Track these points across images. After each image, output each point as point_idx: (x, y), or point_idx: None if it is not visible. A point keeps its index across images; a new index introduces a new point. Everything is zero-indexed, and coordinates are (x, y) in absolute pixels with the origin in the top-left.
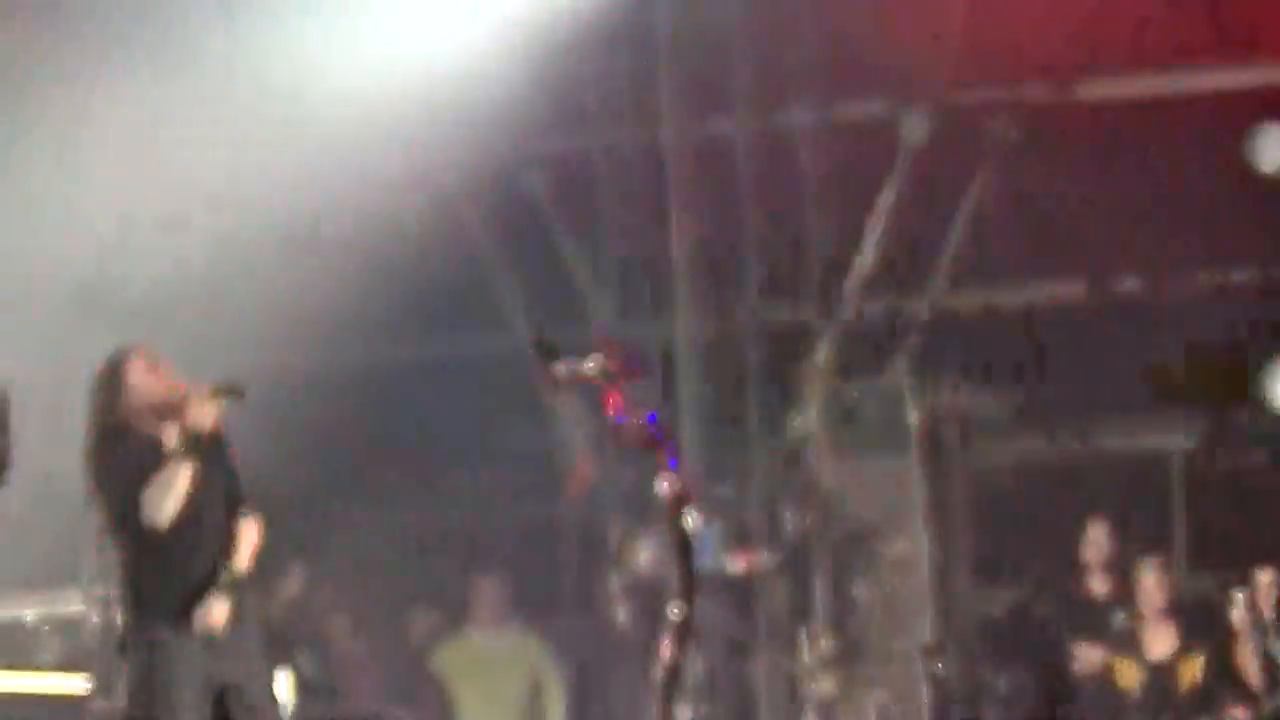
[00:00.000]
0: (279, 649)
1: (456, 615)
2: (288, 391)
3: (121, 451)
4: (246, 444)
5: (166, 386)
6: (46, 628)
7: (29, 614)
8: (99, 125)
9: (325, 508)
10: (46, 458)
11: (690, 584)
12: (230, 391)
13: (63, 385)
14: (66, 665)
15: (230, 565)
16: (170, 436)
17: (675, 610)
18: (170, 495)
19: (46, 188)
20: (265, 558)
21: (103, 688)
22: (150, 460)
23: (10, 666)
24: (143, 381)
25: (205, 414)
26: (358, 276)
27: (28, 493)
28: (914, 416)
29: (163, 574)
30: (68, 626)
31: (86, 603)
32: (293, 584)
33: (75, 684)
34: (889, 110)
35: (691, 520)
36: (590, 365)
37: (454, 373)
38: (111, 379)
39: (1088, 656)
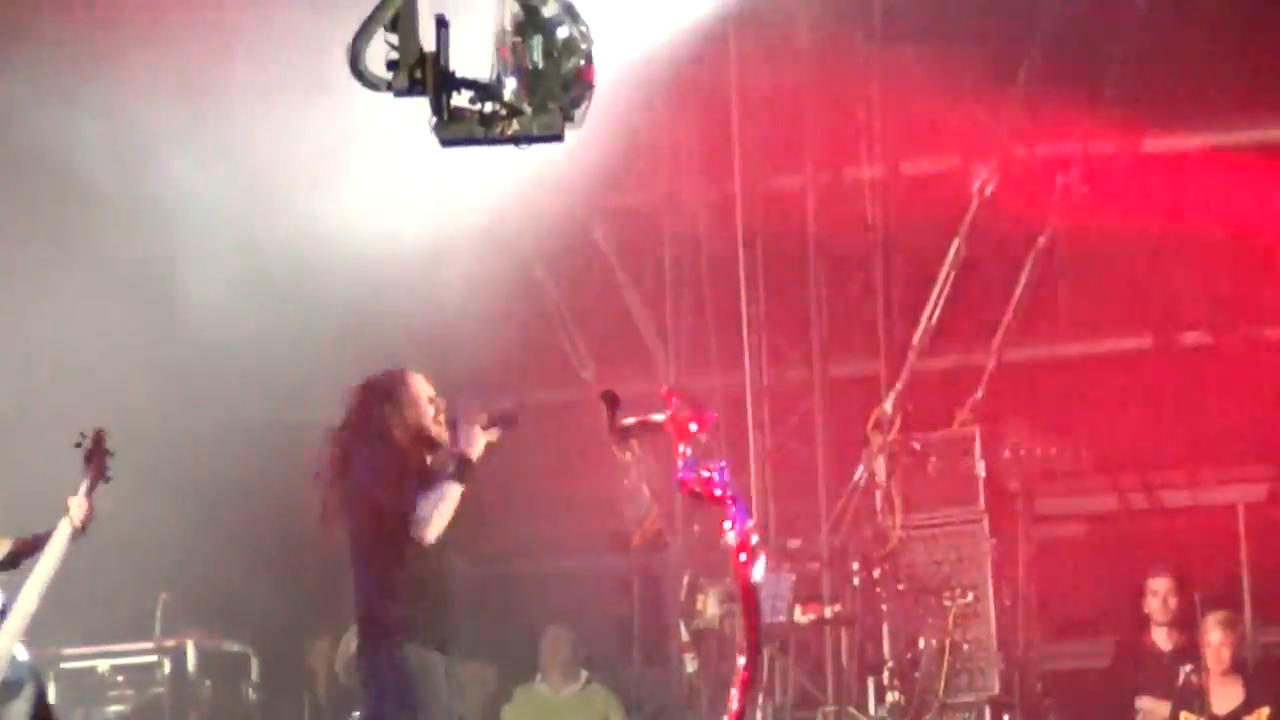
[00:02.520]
0: (344, 699)
1: (526, 666)
2: None
3: (397, 468)
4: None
5: (439, 410)
6: (120, 677)
7: (102, 663)
8: None
9: None
10: (121, 508)
11: (758, 635)
12: (504, 421)
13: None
14: (139, 713)
15: None
16: (435, 459)
17: (743, 661)
18: (441, 514)
19: None
20: (324, 615)
21: None
22: (418, 480)
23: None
24: (419, 402)
25: (478, 441)
26: (433, 332)
27: (101, 543)
28: (981, 468)
29: (419, 591)
30: (140, 675)
31: (158, 652)
32: (344, 645)
33: None
34: (957, 163)
35: (759, 571)
36: (658, 417)
37: (523, 423)
38: (388, 396)
39: (1154, 711)
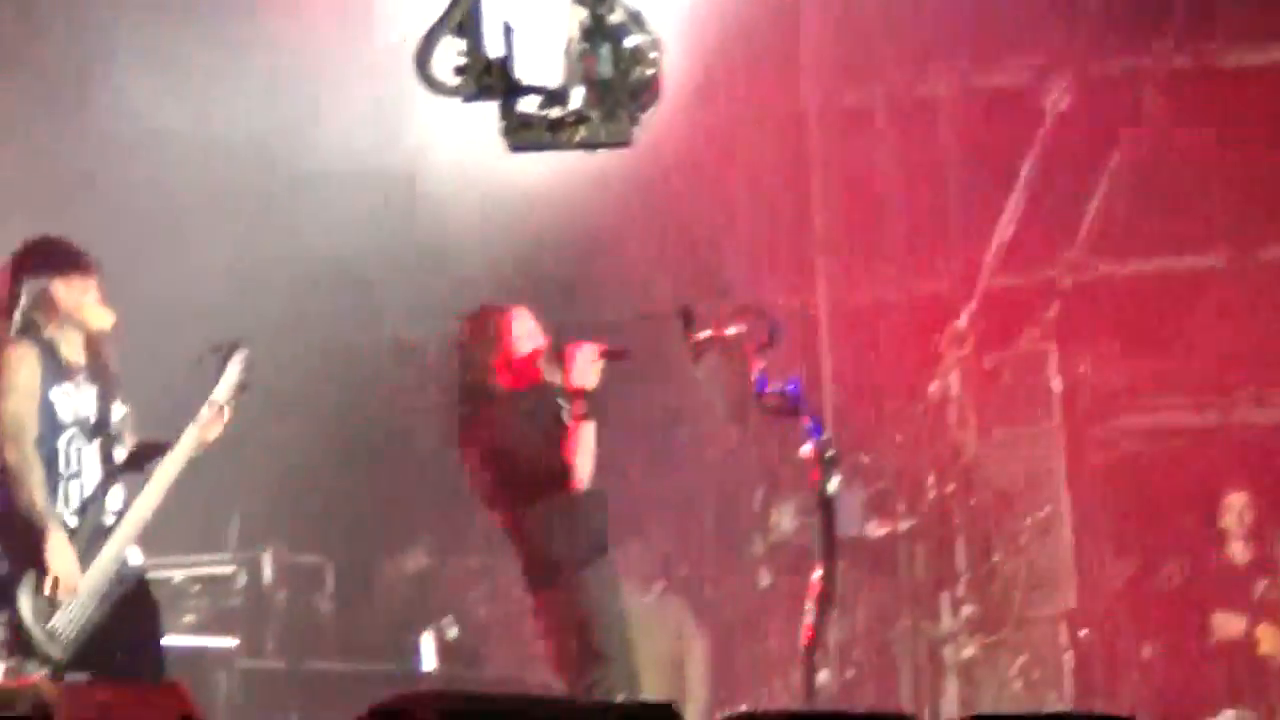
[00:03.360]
0: (420, 615)
1: None
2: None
3: (525, 409)
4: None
5: (542, 343)
6: (195, 588)
7: (178, 574)
8: None
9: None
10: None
11: (832, 549)
12: (615, 356)
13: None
14: (213, 625)
15: None
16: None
17: (818, 575)
18: (586, 459)
19: None
20: (399, 530)
21: (250, 646)
22: (547, 422)
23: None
24: (524, 338)
25: (592, 374)
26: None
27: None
28: (1055, 384)
29: (572, 533)
30: (215, 586)
31: (234, 563)
32: (420, 557)
33: (223, 643)
34: (1032, 77)
35: (834, 485)
36: (733, 332)
37: (597, 338)
38: (488, 335)
39: (1228, 624)
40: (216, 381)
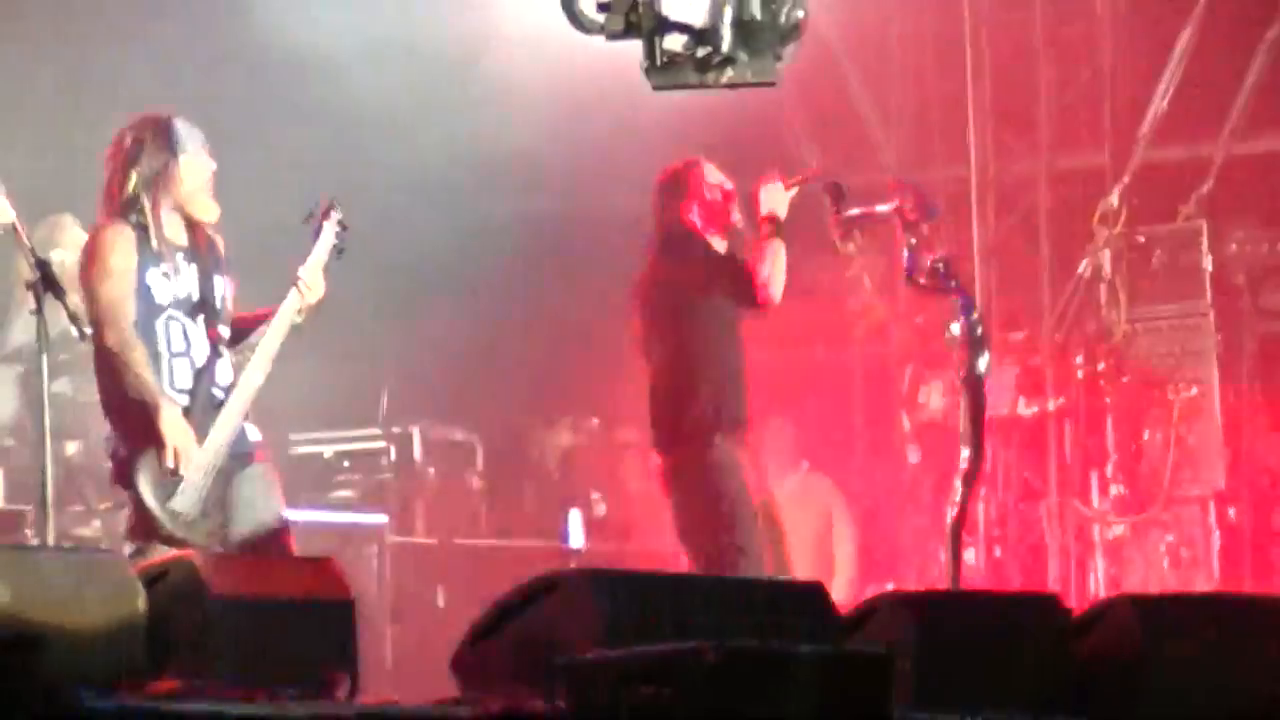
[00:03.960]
0: (565, 491)
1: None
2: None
3: (704, 247)
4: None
5: (731, 197)
6: (346, 463)
7: (328, 449)
8: None
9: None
10: (352, 294)
11: (980, 428)
12: (806, 180)
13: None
14: (365, 500)
15: None
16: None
17: (966, 454)
18: (779, 269)
19: None
20: (548, 404)
21: (399, 522)
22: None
23: (311, 502)
24: (715, 186)
25: (782, 203)
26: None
27: (330, 327)
28: (1207, 261)
29: (727, 378)
30: (365, 462)
31: (385, 438)
32: (565, 434)
33: (373, 518)
34: None
35: (983, 364)
36: (883, 208)
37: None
38: (679, 189)
39: None
40: (312, 247)
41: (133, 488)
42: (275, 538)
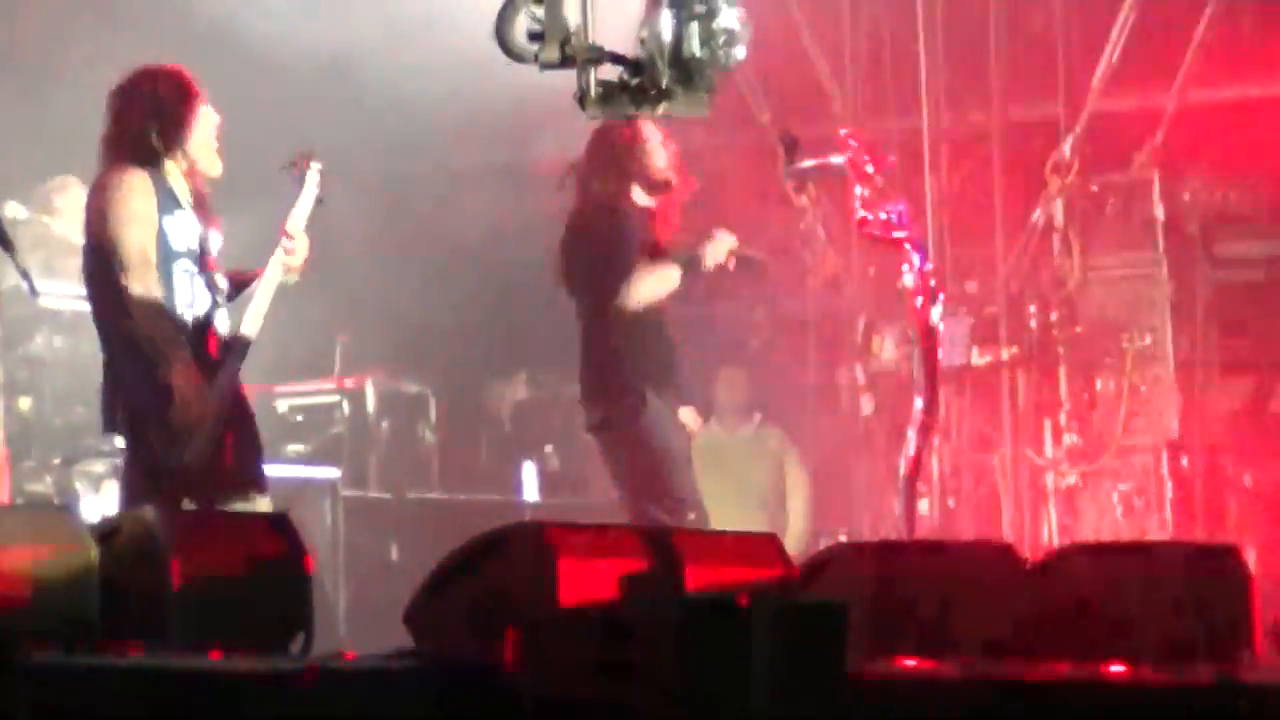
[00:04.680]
0: (518, 444)
1: (701, 408)
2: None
3: (629, 228)
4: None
5: (672, 154)
6: (299, 417)
7: (281, 403)
8: None
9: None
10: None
11: (934, 378)
12: (747, 265)
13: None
14: (318, 454)
15: None
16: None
17: (920, 403)
18: (650, 290)
19: None
20: (502, 359)
21: (353, 476)
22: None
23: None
24: (658, 147)
25: (718, 251)
26: None
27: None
28: (1160, 211)
29: (639, 355)
30: (319, 415)
31: (337, 393)
32: (522, 386)
33: (326, 472)
34: None
35: (937, 313)
36: (836, 159)
37: (698, 166)
38: (618, 142)
39: None
40: (294, 201)
41: (139, 441)
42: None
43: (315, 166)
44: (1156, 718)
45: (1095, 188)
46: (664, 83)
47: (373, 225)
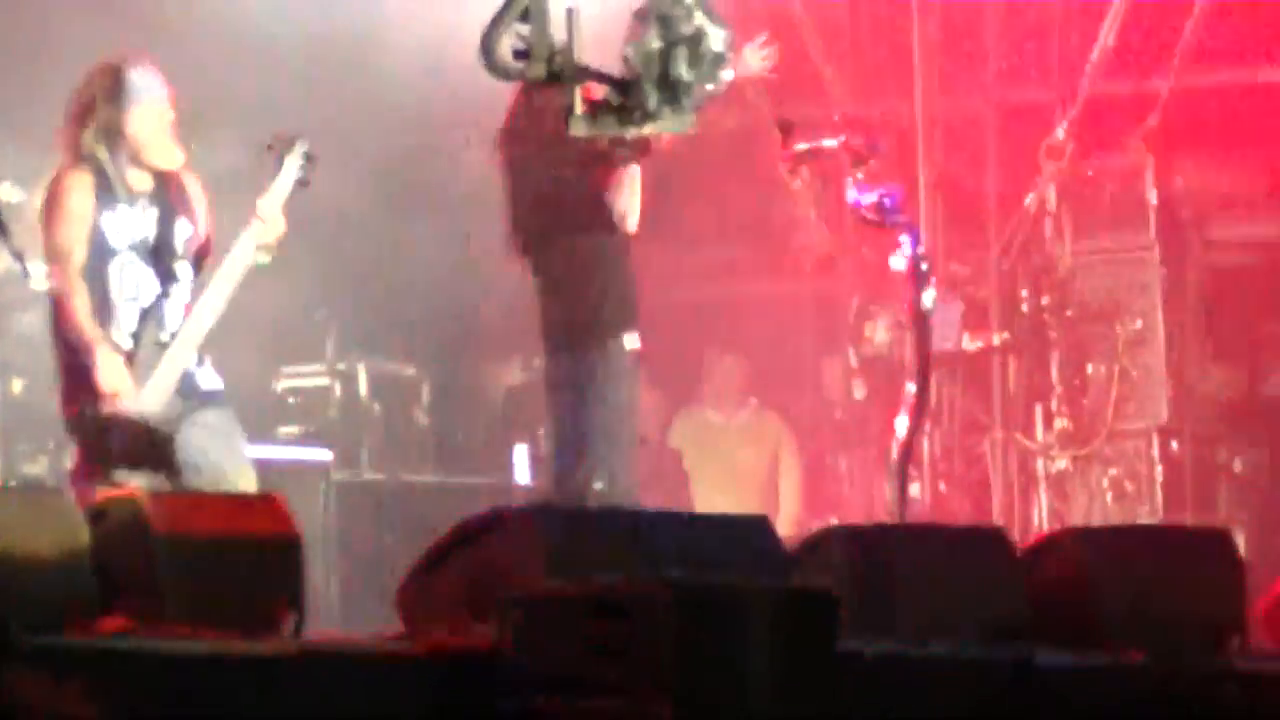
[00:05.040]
0: (515, 426)
1: (691, 392)
2: None
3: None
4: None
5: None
6: (291, 400)
7: (274, 386)
8: None
9: None
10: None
11: (926, 361)
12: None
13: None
14: (310, 436)
15: None
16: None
17: (911, 388)
18: (634, 201)
19: None
20: (495, 342)
21: (346, 459)
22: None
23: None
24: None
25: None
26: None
27: (273, 266)
28: (1153, 195)
29: (606, 288)
30: (311, 399)
31: (331, 375)
32: (515, 369)
33: (319, 454)
34: None
35: (929, 298)
36: (830, 143)
37: (695, 149)
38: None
39: None
40: (272, 181)
41: (76, 429)
42: (227, 481)
43: (299, 149)
44: (1147, 702)
45: (1089, 172)
46: (650, 104)
47: (366, 206)
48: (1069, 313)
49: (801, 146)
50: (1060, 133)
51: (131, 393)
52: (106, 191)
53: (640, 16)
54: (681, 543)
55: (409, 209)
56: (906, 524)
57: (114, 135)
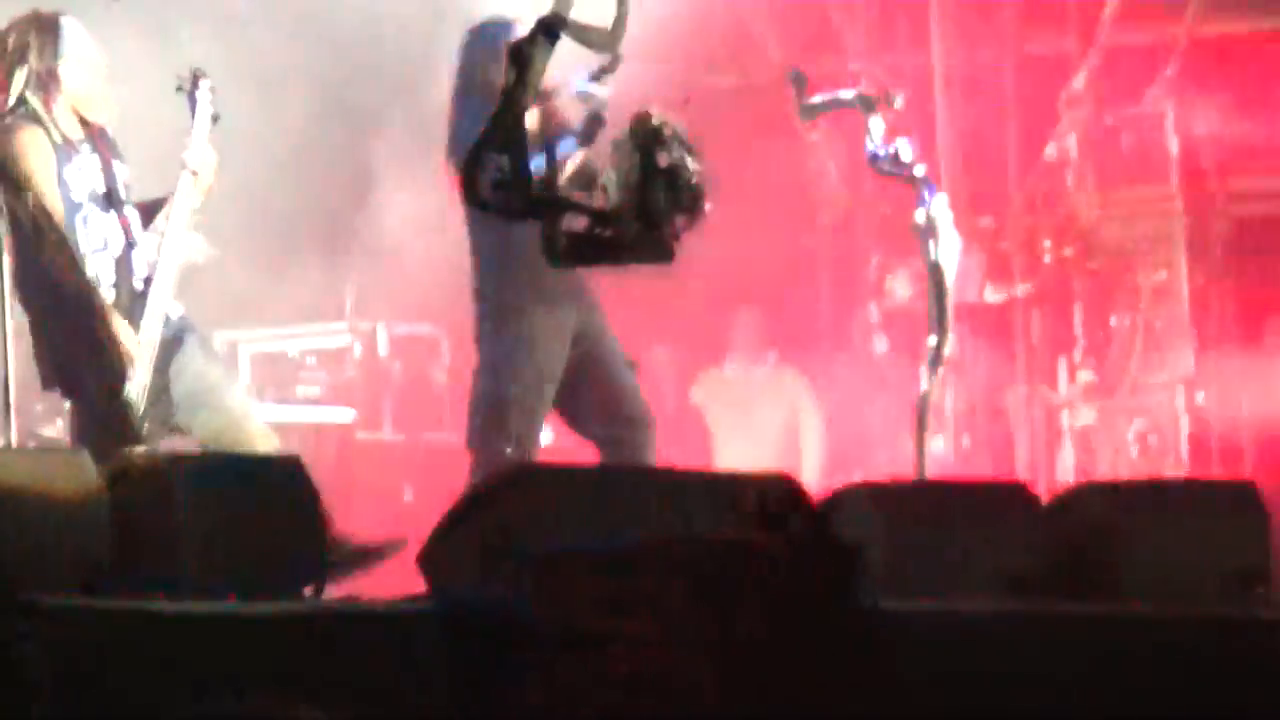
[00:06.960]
0: None
1: (713, 349)
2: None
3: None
4: None
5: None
6: (311, 360)
7: (292, 346)
8: None
9: None
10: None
11: (948, 315)
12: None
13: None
14: (331, 396)
15: None
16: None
17: (933, 341)
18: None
19: None
20: None
21: (366, 418)
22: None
23: (276, 399)
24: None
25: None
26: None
27: (292, 225)
28: (1174, 145)
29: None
30: (331, 358)
31: (351, 334)
32: None
33: (340, 415)
34: None
35: (949, 250)
36: (846, 95)
37: (711, 105)
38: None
39: None
40: (192, 120)
41: (79, 391)
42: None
43: (205, 84)
44: (1173, 655)
45: (1110, 120)
46: (629, 237)
47: (382, 165)
48: (1092, 263)
49: (817, 99)
50: (1080, 82)
51: (134, 342)
52: (59, 144)
53: (618, 147)
54: (704, 499)
55: (427, 169)
56: (929, 479)
57: (49, 84)
